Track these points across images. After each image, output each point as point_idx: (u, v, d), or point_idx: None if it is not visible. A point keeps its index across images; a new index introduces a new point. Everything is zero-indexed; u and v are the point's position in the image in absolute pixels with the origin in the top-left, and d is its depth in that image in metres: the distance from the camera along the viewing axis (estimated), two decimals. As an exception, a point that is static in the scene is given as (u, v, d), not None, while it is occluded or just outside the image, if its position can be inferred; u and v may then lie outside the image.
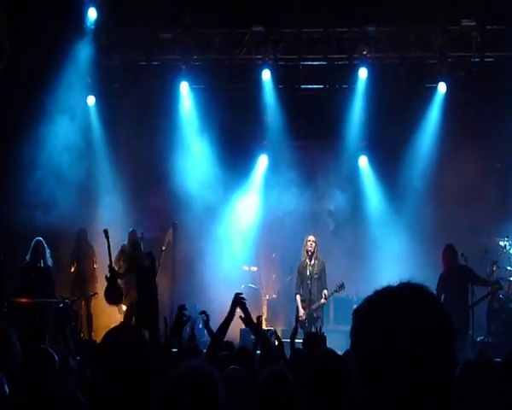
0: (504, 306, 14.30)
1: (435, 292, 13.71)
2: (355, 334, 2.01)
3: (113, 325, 3.80)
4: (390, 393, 1.91)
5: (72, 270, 15.40)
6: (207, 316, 8.71)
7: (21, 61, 15.53)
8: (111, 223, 16.12)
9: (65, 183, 15.88)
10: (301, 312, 14.08)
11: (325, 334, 10.62)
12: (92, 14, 16.84)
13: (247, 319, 6.87)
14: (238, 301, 7.02)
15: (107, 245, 13.76)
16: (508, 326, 14.08)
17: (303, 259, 14.25)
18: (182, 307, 6.74)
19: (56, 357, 4.71)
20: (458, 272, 13.61)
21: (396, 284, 2.00)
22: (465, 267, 13.67)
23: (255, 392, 4.59)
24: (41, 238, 14.32)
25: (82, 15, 16.84)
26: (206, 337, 9.95)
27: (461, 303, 13.47)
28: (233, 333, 15.05)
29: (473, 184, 15.69)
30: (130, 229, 15.47)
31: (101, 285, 15.18)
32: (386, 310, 1.95)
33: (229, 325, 6.91)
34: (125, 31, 17.20)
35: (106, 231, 13.82)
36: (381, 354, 1.91)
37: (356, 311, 2.02)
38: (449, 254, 13.83)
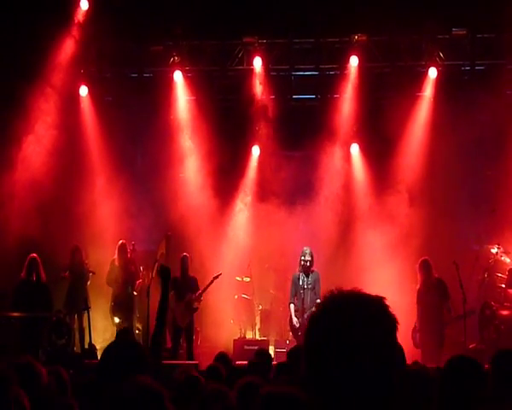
0: (496, 312, 14.34)
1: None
2: (306, 333, 2.17)
3: (106, 338, 3.85)
4: (335, 386, 2.04)
5: (66, 274, 15.33)
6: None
7: (10, 79, 15.69)
8: (104, 236, 16.20)
9: (56, 196, 15.91)
10: (295, 320, 14.13)
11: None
12: (84, 25, 16.84)
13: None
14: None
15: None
16: (500, 333, 14.12)
17: (298, 270, 14.27)
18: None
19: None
20: (433, 287, 13.76)
21: (344, 291, 2.17)
22: (440, 283, 13.78)
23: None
24: (35, 254, 14.40)
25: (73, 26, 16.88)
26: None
27: (434, 318, 13.59)
28: (227, 344, 15.11)
29: (464, 192, 15.74)
30: (120, 241, 15.51)
31: (94, 300, 15.21)
32: (331, 312, 2.11)
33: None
34: (117, 43, 17.21)
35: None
36: (324, 350, 2.07)
37: (313, 313, 2.18)
38: (423, 268, 13.99)
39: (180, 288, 14.60)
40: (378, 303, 2.14)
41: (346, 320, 2.07)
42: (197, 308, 14.85)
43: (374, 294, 2.19)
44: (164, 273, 6.46)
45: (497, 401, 4.86)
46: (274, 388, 3.55)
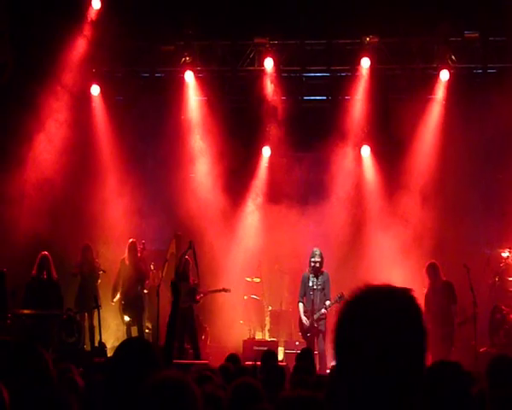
0: (507, 317, 14.30)
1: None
2: (335, 329, 2.18)
3: (119, 337, 3.83)
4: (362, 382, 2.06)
5: (76, 271, 15.37)
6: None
7: (22, 78, 15.79)
8: (114, 235, 16.22)
9: (67, 195, 15.97)
10: (304, 318, 14.11)
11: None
12: (96, 24, 16.88)
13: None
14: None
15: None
16: (510, 337, 14.07)
17: (308, 270, 14.26)
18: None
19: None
20: (440, 290, 13.72)
21: (377, 285, 2.20)
22: (447, 285, 13.73)
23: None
24: (46, 252, 14.47)
25: (85, 25, 16.92)
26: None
27: (442, 322, 13.55)
28: (236, 344, 15.10)
29: (475, 195, 15.69)
30: (130, 240, 15.50)
31: (105, 298, 15.23)
32: (364, 307, 2.14)
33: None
34: (129, 43, 17.24)
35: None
36: (355, 344, 2.10)
37: (342, 306, 2.21)
38: (430, 272, 13.96)
39: (183, 274, 14.64)
40: (405, 294, 2.18)
41: (375, 312, 2.11)
42: (198, 301, 14.87)
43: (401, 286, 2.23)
44: (174, 288, 6.56)
45: (493, 404, 4.89)
46: (291, 392, 3.57)
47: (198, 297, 14.86)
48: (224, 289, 15.29)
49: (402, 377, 2.07)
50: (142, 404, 2.95)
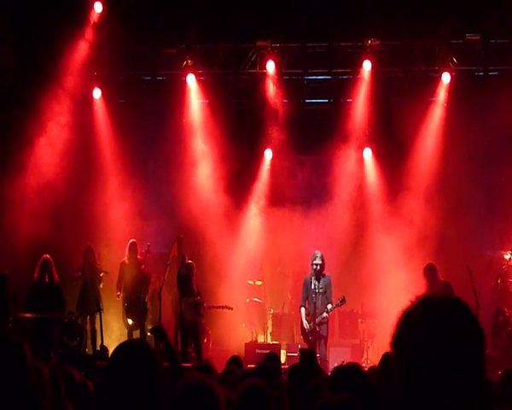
0: (509, 319, 14.28)
1: None
2: (401, 331, 2.21)
3: (119, 341, 3.82)
4: (423, 386, 2.09)
5: (78, 274, 15.35)
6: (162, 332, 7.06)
7: (24, 81, 15.82)
8: (116, 237, 16.21)
9: (70, 198, 15.99)
10: (305, 324, 14.08)
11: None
12: (98, 27, 16.89)
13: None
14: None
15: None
16: (513, 339, 14.06)
17: (310, 273, 14.22)
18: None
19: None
20: (438, 292, 13.60)
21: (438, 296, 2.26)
22: (446, 286, 13.68)
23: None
24: (48, 255, 14.45)
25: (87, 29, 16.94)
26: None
27: None
28: (238, 347, 15.08)
29: (477, 198, 15.68)
30: (131, 240, 15.45)
31: (108, 302, 15.22)
32: (429, 315, 2.19)
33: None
34: (130, 46, 17.26)
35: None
36: (420, 352, 2.12)
37: (404, 312, 2.24)
38: (428, 273, 13.93)
39: (188, 285, 14.61)
40: (464, 304, 2.25)
41: (444, 323, 2.16)
42: (202, 315, 14.90)
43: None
44: (157, 333, 6.57)
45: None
46: (332, 397, 3.58)
47: (202, 311, 14.88)
48: (227, 307, 15.31)
49: (467, 389, 2.09)
50: (171, 406, 3.05)
